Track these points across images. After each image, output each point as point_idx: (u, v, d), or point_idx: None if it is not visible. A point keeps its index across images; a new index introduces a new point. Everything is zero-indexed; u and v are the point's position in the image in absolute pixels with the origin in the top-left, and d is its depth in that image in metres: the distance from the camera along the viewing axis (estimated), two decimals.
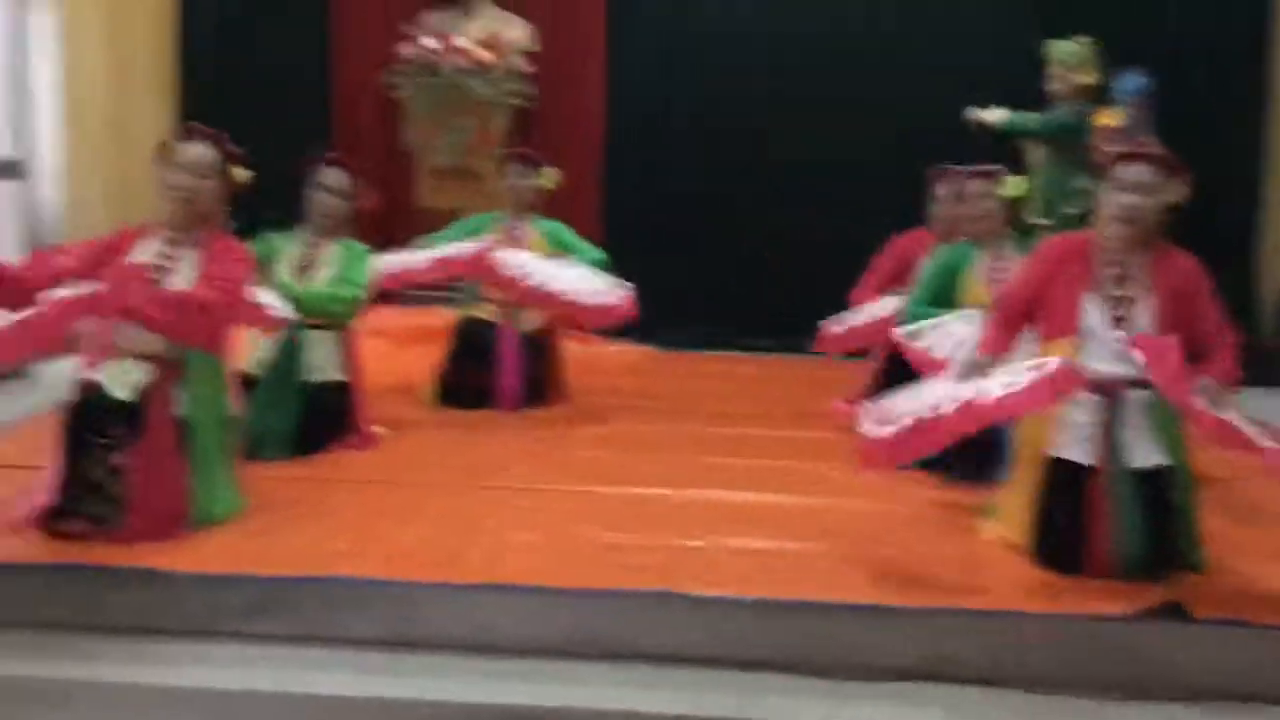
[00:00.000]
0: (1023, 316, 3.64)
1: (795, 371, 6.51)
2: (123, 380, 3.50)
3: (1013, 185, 4.61)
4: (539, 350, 5.47)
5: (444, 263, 5.14)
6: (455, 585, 3.19)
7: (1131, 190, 3.39)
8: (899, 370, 5.20)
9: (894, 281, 5.42)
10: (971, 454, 4.14)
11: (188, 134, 3.77)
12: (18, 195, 5.84)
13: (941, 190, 5.32)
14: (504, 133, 6.90)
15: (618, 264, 7.28)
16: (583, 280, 5.17)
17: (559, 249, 5.48)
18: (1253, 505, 4.09)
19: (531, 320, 5.42)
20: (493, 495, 4.01)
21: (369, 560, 3.34)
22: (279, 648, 3.12)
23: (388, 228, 7.36)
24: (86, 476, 3.43)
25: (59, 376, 4.05)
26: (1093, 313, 3.45)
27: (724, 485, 4.18)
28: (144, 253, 3.65)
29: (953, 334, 4.26)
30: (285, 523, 3.65)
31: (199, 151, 3.69)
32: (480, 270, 5.09)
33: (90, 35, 7.19)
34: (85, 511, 3.43)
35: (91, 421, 3.45)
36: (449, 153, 6.86)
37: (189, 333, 3.51)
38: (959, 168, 5.25)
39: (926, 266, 4.78)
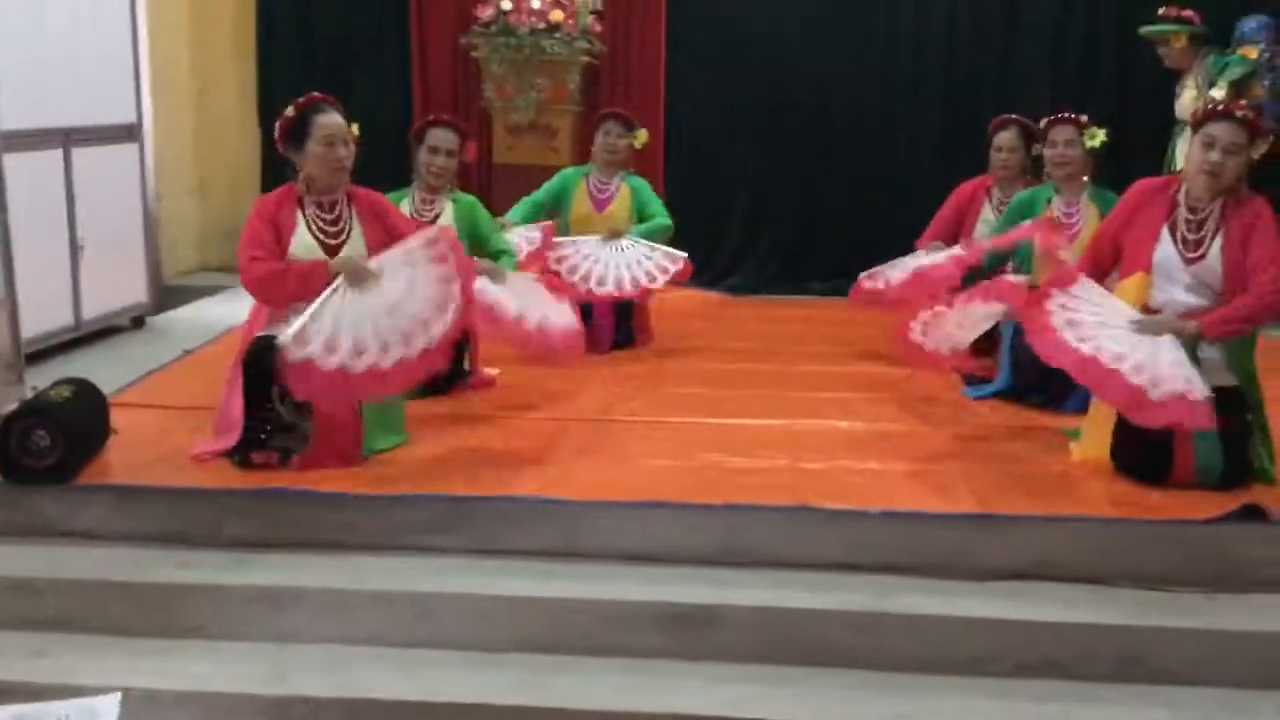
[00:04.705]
0: (1110, 255, 4.02)
1: (861, 313, 6.84)
2: None
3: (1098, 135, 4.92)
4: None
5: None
6: (617, 502, 3.60)
7: (1217, 148, 3.74)
8: None
9: (954, 228, 5.75)
10: (1050, 385, 4.55)
11: (314, 102, 3.98)
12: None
13: (1002, 138, 5.66)
14: (576, 89, 7.21)
15: (679, 214, 7.65)
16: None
17: (640, 205, 5.85)
18: None
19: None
20: (622, 427, 4.42)
21: (531, 483, 3.74)
22: (459, 558, 3.53)
23: (467, 182, 7.72)
24: (277, 416, 3.82)
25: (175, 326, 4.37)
26: (1167, 250, 3.83)
27: (820, 416, 4.57)
28: (306, 218, 4.00)
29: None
30: (449, 453, 4.06)
31: (338, 121, 3.96)
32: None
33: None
34: (275, 445, 3.83)
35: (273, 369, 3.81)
36: (524, 110, 7.18)
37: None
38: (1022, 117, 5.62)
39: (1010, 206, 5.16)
